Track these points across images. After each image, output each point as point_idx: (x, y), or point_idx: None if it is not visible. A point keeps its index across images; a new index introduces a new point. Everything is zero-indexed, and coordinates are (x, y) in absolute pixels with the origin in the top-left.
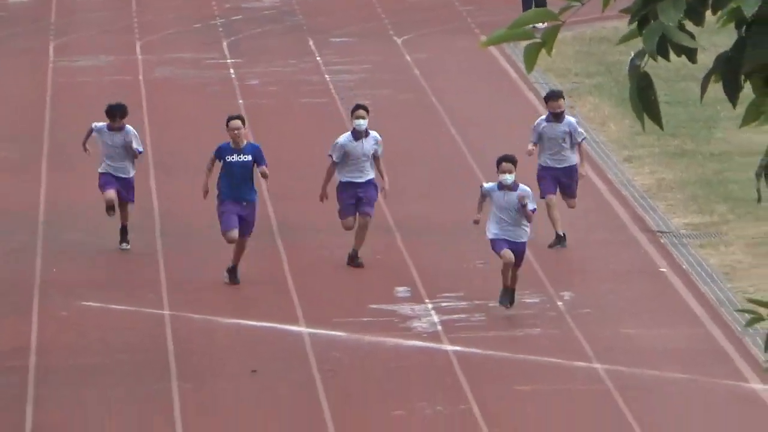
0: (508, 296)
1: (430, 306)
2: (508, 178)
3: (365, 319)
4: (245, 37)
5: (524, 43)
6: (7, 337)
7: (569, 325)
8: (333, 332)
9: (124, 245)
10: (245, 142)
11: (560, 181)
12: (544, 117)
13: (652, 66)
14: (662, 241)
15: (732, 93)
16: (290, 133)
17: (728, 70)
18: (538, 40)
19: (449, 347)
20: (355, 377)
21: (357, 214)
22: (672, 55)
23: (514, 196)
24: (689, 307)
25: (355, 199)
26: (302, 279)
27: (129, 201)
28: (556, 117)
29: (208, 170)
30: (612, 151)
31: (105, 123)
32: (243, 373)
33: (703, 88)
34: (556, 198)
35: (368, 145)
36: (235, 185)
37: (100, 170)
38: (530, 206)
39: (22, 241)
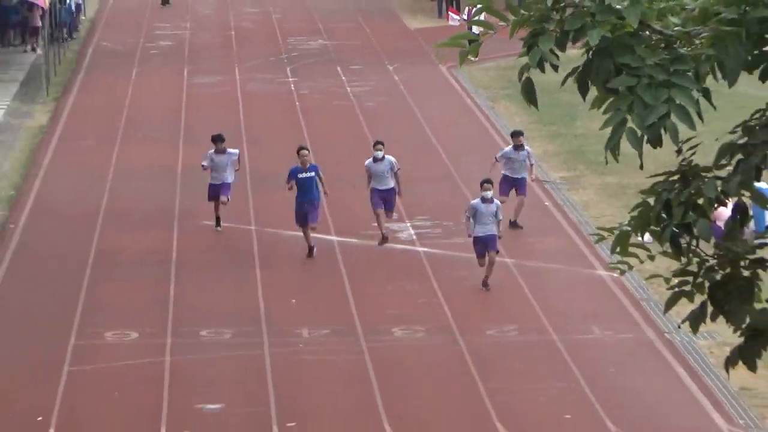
0: (485, 285)
1: (408, 224)
2: (489, 194)
3: (371, 231)
4: (300, 65)
5: (465, 68)
6: (157, 242)
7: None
8: (351, 240)
9: (218, 229)
10: (309, 164)
11: (514, 185)
12: (510, 147)
13: (538, 79)
14: (546, 186)
15: (583, 92)
16: (327, 120)
17: (581, 79)
18: (467, 48)
19: (420, 249)
20: (364, 266)
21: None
22: (548, 69)
23: (491, 207)
24: (562, 225)
25: (383, 200)
26: (336, 210)
27: (225, 195)
28: (518, 147)
29: (290, 183)
30: None
31: (212, 149)
32: (297, 260)
33: (563, 81)
34: (508, 198)
35: (384, 166)
36: (305, 192)
37: (209, 182)
38: (500, 215)
39: (166, 186)
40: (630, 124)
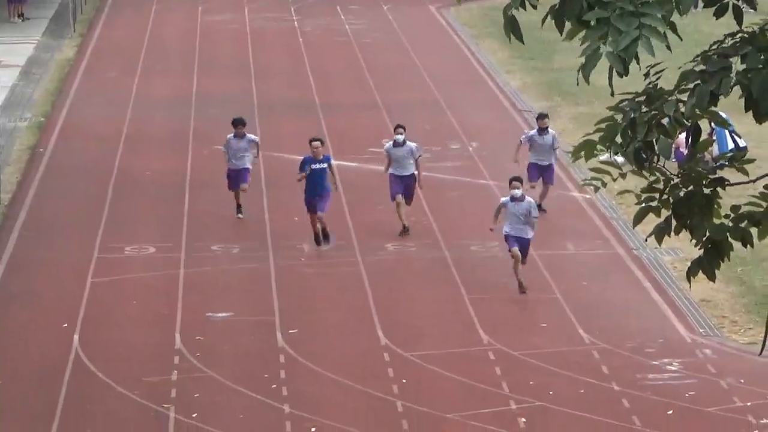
0: (521, 288)
1: None
2: (518, 191)
3: (365, 156)
4: (303, 5)
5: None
6: (173, 164)
7: (473, 159)
8: (350, 163)
9: (239, 216)
10: (322, 155)
11: (542, 173)
12: (535, 130)
13: (519, 18)
14: (524, 115)
15: (560, 27)
16: (327, 53)
17: (558, 16)
18: None
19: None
20: (361, 188)
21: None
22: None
23: (522, 205)
24: None
25: (402, 187)
26: (335, 135)
27: (245, 182)
28: (542, 131)
29: (300, 175)
30: (498, 68)
31: (232, 133)
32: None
33: (543, 20)
34: (537, 182)
35: (404, 150)
36: (316, 183)
37: (228, 166)
38: (534, 214)
39: (182, 112)
40: (605, 49)
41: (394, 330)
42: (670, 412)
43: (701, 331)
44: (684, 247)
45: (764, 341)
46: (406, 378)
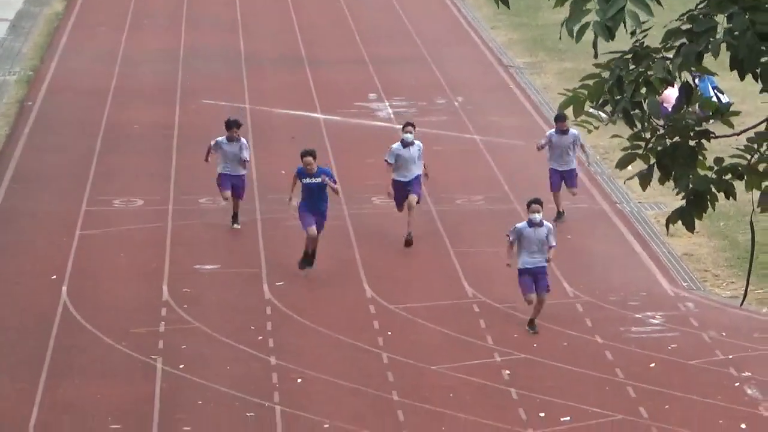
0: (531, 326)
1: (387, 104)
2: (537, 216)
3: (353, 110)
4: None
5: None
6: (161, 118)
7: (458, 114)
8: (335, 117)
9: (235, 226)
10: (316, 169)
11: (564, 179)
12: (553, 130)
13: None
14: (510, 71)
15: None
16: (314, 11)
17: None
18: None
19: (397, 126)
20: (347, 141)
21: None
22: None
23: (541, 231)
24: (525, 106)
25: (405, 192)
26: (321, 89)
27: (239, 197)
28: (563, 132)
29: (293, 186)
30: (484, 24)
31: (224, 136)
32: (286, 137)
33: None
34: (559, 192)
35: (414, 151)
36: (311, 199)
37: (219, 171)
38: (552, 241)
39: (170, 67)
40: (592, 16)
41: (379, 283)
42: (653, 364)
43: (684, 284)
44: (667, 202)
45: (744, 294)
46: (391, 330)
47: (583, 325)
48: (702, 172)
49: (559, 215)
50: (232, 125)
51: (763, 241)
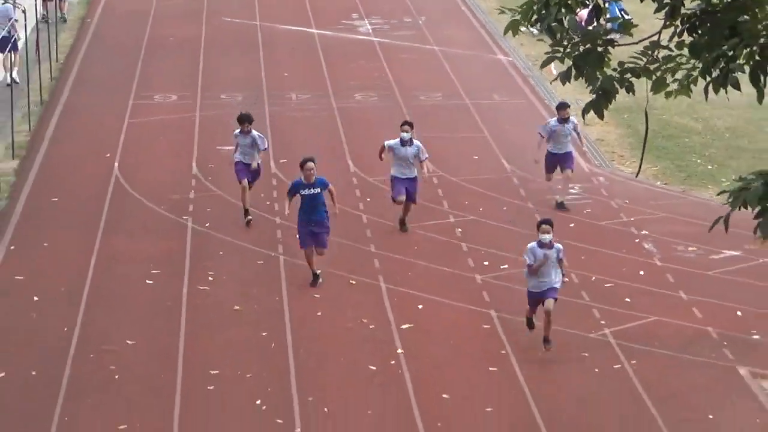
0: (547, 342)
1: (366, 22)
2: (547, 237)
3: (340, 26)
4: None
5: None
6: (191, 32)
7: (422, 30)
8: (327, 31)
9: (248, 218)
10: (314, 178)
11: (560, 163)
12: (555, 119)
13: None
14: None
15: None
16: None
17: None
18: None
19: (375, 39)
20: (335, 51)
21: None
22: None
23: (551, 253)
24: (473, 23)
25: (404, 188)
26: (314, 6)
27: (252, 181)
28: (563, 121)
29: (288, 200)
30: None
31: (239, 129)
32: (288, 47)
33: None
34: (552, 176)
35: (411, 151)
36: (309, 211)
37: (236, 159)
38: (562, 259)
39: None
40: None
41: (359, 160)
42: (572, 225)
43: (596, 163)
44: (583, 98)
45: (639, 168)
46: (369, 197)
47: (519, 194)
48: (608, 72)
49: (560, 205)
50: (243, 120)
51: (657, 130)
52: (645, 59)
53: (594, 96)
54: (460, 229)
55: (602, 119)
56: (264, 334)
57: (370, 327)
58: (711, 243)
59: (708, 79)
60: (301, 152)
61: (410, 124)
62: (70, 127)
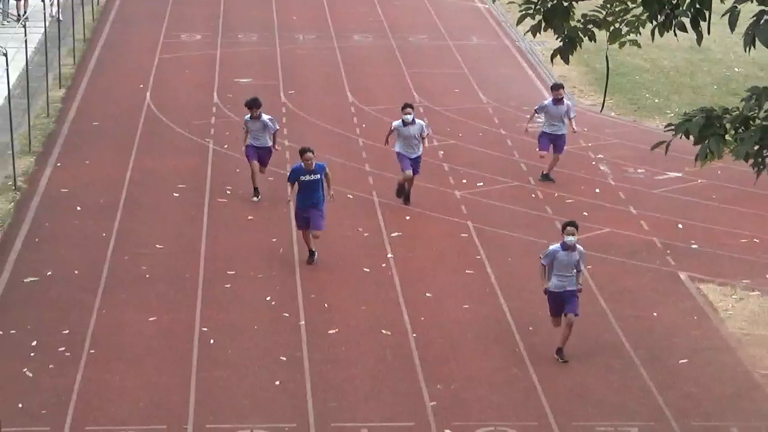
0: (560, 355)
1: None
2: (572, 239)
3: None
4: None
5: None
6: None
7: None
8: None
9: (254, 199)
10: (314, 165)
11: (553, 142)
12: (550, 99)
13: None
14: None
15: None
16: None
17: None
18: None
19: None
20: None
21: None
22: None
23: (574, 255)
24: None
25: (411, 163)
26: None
27: (264, 165)
28: (557, 101)
29: (291, 186)
30: None
31: (248, 114)
32: None
33: None
34: (547, 152)
35: (414, 129)
36: (307, 195)
37: (246, 143)
38: (581, 266)
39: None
40: None
41: (357, 92)
42: (538, 149)
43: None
44: (549, 42)
45: (602, 103)
46: (365, 124)
47: (492, 122)
48: (573, 24)
49: (545, 177)
50: (252, 105)
51: (612, 69)
52: (604, 12)
53: (561, 44)
54: (442, 152)
55: (568, 64)
56: (274, 240)
57: (365, 235)
58: (657, 165)
59: (654, 23)
60: (308, 85)
61: (411, 106)
62: (109, 61)
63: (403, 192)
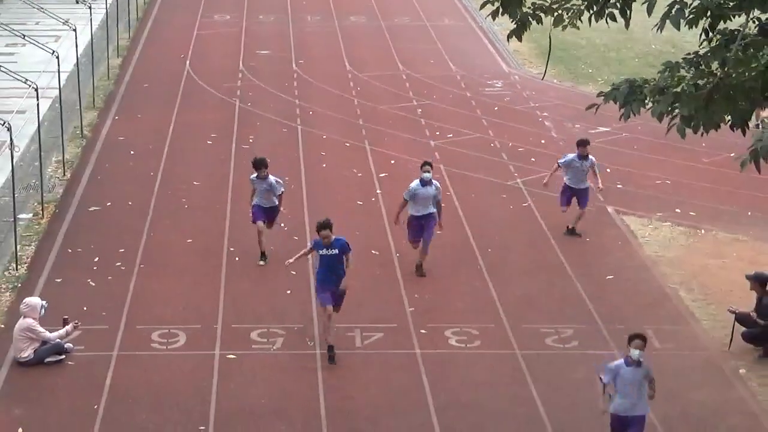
0: None
1: None
2: (638, 353)
3: None
4: None
5: None
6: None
7: None
8: None
9: (260, 263)
10: (332, 240)
11: (576, 196)
12: (575, 155)
13: None
14: None
15: None
16: None
17: None
18: None
19: None
20: None
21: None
22: None
23: (640, 372)
24: None
25: (421, 230)
26: None
27: (270, 225)
28: (582, 157)
29: (307, 251)
30: None
31: (255, 174)
32: None
33: None
34: (568, 208)
35: (431, 191)
36: (328, 271)
37: (253, 203)
38: (651, 383)
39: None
40: None
41: (353, 61)
42: (496, 108)
43: (513, 65)
44: (506, 23)
45: (544, 72)
46: (359, 88)
47: (460, 86)
48: (525, 10)
49: (571, 231)
50: (259, 165)
51: (555, 44)
52: (550, 1)
53: (515, 25)
54: (420, 110)
55: (520, 41)
56: (286, 178)
57: (359, 175)
58: (590, 122)
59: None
60: (314, 56)
61: (430, 164)
62: (157, 35)
63: (419, 270)
